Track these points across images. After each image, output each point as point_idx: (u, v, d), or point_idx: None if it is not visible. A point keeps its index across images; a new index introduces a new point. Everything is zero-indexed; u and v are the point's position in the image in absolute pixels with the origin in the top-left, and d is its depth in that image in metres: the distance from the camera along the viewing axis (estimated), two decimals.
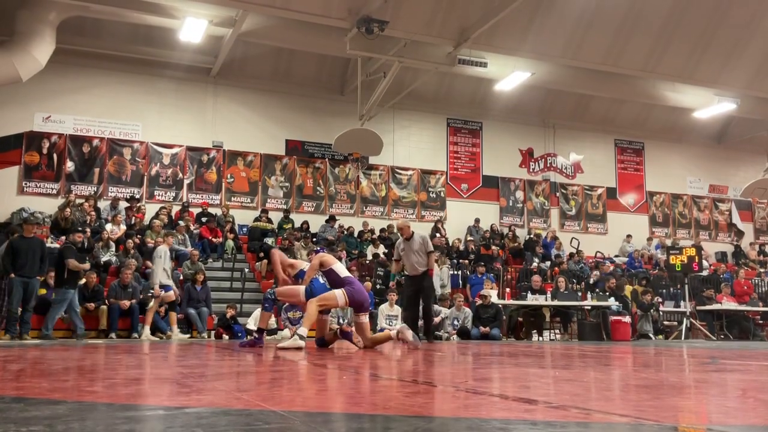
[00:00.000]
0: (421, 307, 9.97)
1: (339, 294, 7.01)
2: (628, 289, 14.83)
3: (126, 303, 11.40)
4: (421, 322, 10.00)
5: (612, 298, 13.55)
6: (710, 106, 18.28)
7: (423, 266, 9.68)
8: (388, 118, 17.76)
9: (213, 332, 11.90)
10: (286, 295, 7.50)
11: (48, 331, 10.35)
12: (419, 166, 18.86)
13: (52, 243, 13.16)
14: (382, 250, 15.86)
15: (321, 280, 7.27)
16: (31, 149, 15.33)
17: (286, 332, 11.48)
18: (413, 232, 9.89)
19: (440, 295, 13.36)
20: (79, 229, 12.72)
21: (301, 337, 6.73)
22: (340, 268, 7.33)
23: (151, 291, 11.42)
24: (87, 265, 11.26)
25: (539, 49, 14.89)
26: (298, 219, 16.90)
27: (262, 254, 14.54)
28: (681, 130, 21.09)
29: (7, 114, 14.86)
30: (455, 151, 19.38)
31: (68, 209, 14.02)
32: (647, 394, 3.01)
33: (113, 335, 11.11)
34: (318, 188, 17.79)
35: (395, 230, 15.34)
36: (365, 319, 7.30)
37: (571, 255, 17.57)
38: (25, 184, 15.18)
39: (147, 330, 11.21)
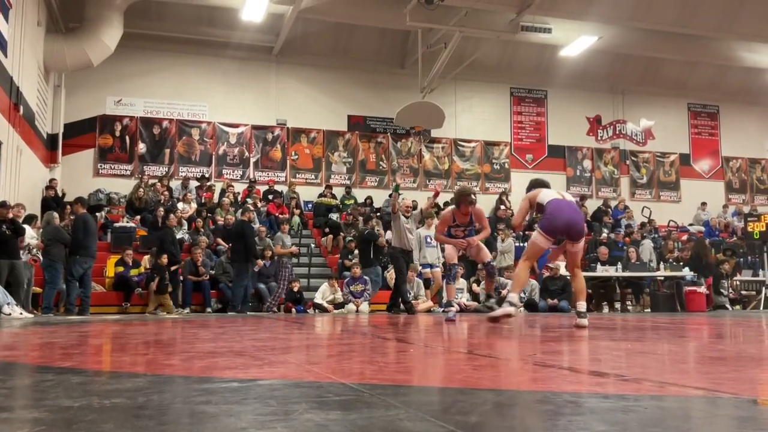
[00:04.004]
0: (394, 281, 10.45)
1: (535, 236, 5.95)
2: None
3: (203, 269, 11.79)
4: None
5: (686, 268, 13.13)
6: None
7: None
8: (450, 89, 17.55)
9: (282, 306, 12.16)
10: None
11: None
12: (482, 137, 18.62)
13: (127, 222, 13.69)
14: None
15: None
16: (105, 132, 15.88)
17: (351, 306, 11.64)
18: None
19: (505, 267, 13.24)
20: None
21: (512, 304, 5.76)
22: (546, 196, 5.99)
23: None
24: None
25: (606, 12, 14.38)
26: (361, 194, 17.00)
27: (327, 230, 14.78)
28: (758, 92, 20.04)
29: (80, 99, 15.41)
30: (519, 121, 19.03)
31: (141, 190, 14.52)
32: (724, 367, 2.91)
33: (187, 310, 11.50)
34: (381, 163, 17.82)
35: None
36: (578, 247, 6.07)
37: (643, 224, 17.09)
38: (100, 166, 15.77)
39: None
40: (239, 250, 11.29)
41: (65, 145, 14.87)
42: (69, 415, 1.67)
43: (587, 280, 12.90)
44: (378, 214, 15.88)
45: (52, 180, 13.75)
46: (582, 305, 6.09)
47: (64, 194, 13.73)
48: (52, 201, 12.93)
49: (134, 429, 1.51)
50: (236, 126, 16.81)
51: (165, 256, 11.24)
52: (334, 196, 16.44)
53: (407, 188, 17.61)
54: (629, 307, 12.89)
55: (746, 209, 18.97)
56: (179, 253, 11.85)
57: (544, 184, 6.43)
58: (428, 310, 11.37)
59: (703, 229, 18.14)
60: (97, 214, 13.95)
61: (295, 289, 12.04)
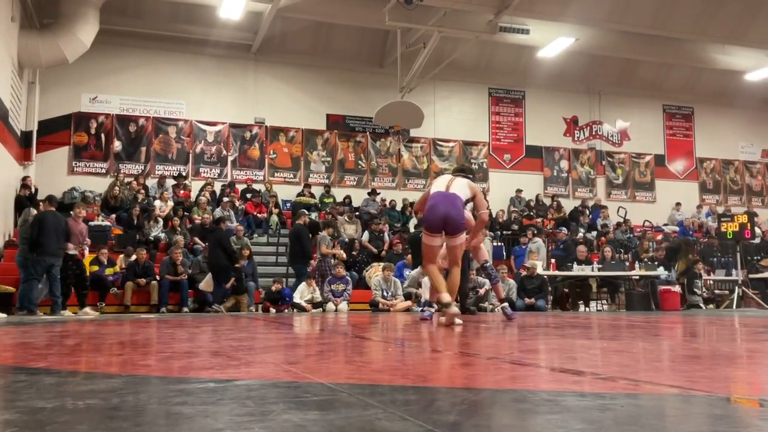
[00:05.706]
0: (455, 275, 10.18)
1: (423, 237, 5.85)
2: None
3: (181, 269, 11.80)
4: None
5: (661, 268, 13.30)
6: (762, 68, 17.72)
7: None
8: (429, 89, 17.59)
9: (260, 306, 12.11)
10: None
11: None
12: (461, 137, 18.69)
13: (102, 221, 13.53)
14: None
15: None
16: (80, 130, 15.68)
17: (330, 305, 11.62)
18: None
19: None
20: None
21: (445, 303, 5.62)
22: (433, 188, 6.05)
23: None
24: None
25: (583, 14, 14.51)
26: (340, 193, 16.97)
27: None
28: (732, 94, 20.37)
29: (55, 95, 15.20)
30: (497, 121, 19.13)
31: (117, 188, 14.35)
32: (698, 365, 2.95)
33: (164, 309, 11.39)
34: (360, 162, 17.81)
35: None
36: (456, 241, 5.85)
37: (618, 224, 17.28)
38: (75, 164, 15.56)
39: None
40: (297, 252, 12.04)
41: (39, 142, 14.64)
42: (42, 417, 1.65)
43: (564, 279, 13.11)
44: (357, 213, 15.86)
45: (26, 178, 13.54)
46: (446, 297, 5.64)
47: (36, 191, 13.53)
48: (26, 199, 12.72)
49: (109, 430, 1.49)
50: (214, 124, 16.70)
51: (240, 260, 11.73)
52: (312, 195, 16.40)
53: (385, 187, 17.63)
54: (604, 306, 13.01)
55: (720, 209, 19.25)
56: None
57: (459, 170, 6.48)
58: (406, 310, 11.39)
59: (677, 229, 18.38)
60: (71, 212, 13.75)
61: (274, 289, 12.00)
